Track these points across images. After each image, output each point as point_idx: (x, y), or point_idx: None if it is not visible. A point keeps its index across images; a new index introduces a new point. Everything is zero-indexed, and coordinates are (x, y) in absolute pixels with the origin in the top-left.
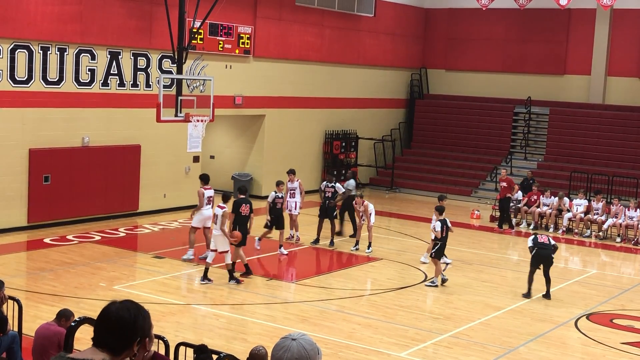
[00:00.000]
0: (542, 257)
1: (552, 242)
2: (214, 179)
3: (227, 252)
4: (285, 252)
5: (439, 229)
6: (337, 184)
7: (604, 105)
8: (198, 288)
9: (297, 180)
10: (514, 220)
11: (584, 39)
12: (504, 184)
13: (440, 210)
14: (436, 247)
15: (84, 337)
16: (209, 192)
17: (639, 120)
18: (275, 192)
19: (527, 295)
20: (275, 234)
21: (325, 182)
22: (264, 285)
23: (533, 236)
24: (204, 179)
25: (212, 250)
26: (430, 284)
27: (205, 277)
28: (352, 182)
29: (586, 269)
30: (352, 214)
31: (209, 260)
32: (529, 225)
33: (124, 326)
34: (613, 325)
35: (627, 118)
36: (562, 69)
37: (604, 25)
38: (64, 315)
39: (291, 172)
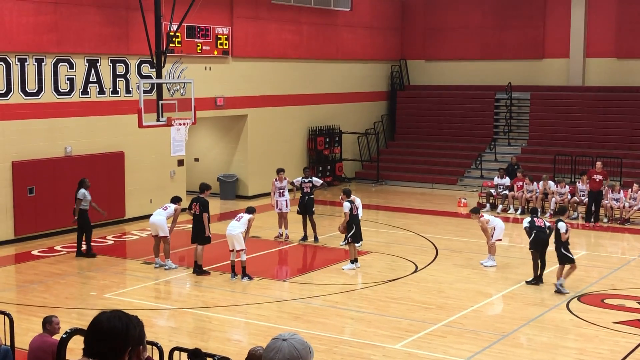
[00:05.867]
0: (541, 240)
1: (547, 224)
2: (199, 181)
3: (243, 250)
4: (348, 267)
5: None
6: (314, 178)
7: (583, 87)
8: (189, 292)
9: (286, 179)
10: (500, 207)
11: (561, 22)
12: (601, 176)
13: (476, 211)
14: None
15: (77, 347)
16: None
17: (619, 100)
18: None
19: (535, 281)
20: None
21: (301, 178)
22: (255, 285)
23: (529, 218)
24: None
25: (237, 251)
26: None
27: (244, 275)
28: (82, 191)
29: (575, 250)
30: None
31: (243, 258)
32: (516, 210)
33: (116, 335)
34: (604, 305)
35: (608, 98)
36: (540, 53)
37: (579, 7)
38: (47, 322)
39: (280, 171)
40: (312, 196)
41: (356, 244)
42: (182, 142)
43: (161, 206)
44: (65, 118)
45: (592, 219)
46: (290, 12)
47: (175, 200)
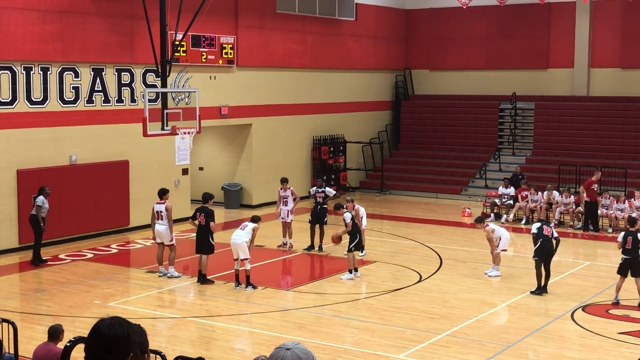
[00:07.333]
0: (546, 249)
1: (555, 234)
2: (204, 190)
3: (248, 259)
4: (347, 277)
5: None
6: (327, 188)
7: (588, 97)
8: (193, 300)
9: (290, 188)
10: (504, 217)
11: (566, 32)
12: (596, 186)
13: (480, 220)
14: None
15: (81, 355)
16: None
17: (623, 110)
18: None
19: (539, 290)
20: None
21: (315, 187)
22: (259, 294)
23: (539, 224)
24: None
25: (242, 259)
26: None
27: (249, 284)
28: (42, 198)
29: (579, 260)
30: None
31: (247, 267)
32: (520, 220)
33: (118, 342)
34: (609, 315)
35: (612, 109)
36: (545, 63)
37: (584, 18)
38: (54, 332)
39: (284, 181)
40: (325, 206)
41: (360, 253)
42: (186, 151)
43: (157, 215)
44: (70, 127)
45: (592, 228)
46: (295, 21)
47: (162, 193)
